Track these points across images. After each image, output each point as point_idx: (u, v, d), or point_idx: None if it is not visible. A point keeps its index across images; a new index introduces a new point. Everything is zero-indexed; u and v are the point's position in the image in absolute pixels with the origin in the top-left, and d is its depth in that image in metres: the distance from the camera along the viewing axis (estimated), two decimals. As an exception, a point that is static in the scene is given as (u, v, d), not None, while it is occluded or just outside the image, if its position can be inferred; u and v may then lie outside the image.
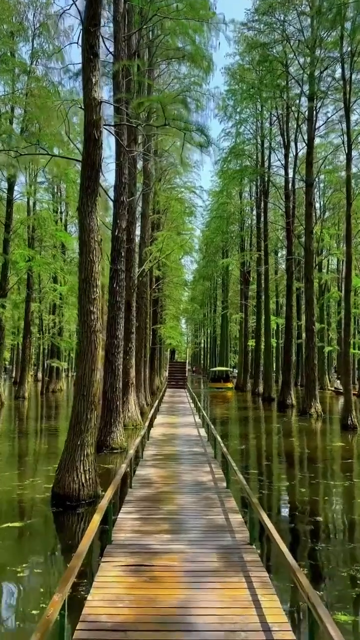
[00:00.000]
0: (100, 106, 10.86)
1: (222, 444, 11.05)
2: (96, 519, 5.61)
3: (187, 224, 33.29)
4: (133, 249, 22.44)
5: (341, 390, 45.95)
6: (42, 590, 6.17)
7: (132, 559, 6.12)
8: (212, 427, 14.21)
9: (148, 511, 8.12)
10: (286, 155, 34.14)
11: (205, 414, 18.52)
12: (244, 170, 37.57)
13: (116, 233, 16.20)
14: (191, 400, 31.37)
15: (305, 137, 29.01)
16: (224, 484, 9.89)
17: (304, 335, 53.52)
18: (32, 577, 6.54)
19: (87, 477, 9.97)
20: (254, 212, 48.92)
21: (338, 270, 60.93)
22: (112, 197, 16.61)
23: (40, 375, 59.14)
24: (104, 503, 6.16)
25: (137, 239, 28.42)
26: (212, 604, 5.03)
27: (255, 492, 10.83)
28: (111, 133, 14.80)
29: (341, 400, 41.30)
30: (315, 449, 17.14)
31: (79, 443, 10.05)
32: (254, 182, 42.24)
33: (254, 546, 6.63)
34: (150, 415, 18.25)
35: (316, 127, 28.60)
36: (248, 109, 40.22)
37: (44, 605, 5.65)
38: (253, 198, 49.21)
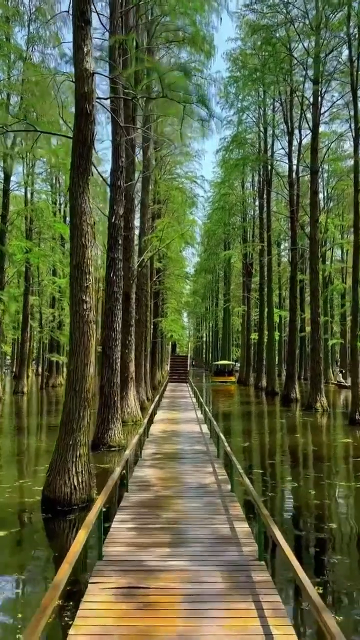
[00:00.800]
0: (92, 78, 10.00)
1: (225, 443, 10.27)
2: (81, 536, 4.83)
3: (188, 216, 32.35)
4: (132, 239, 21.61)
5: (344, 384, 45.15)
6: (11, 622, 5.38)
7: (124, 580, 5.34)
8: (215, 423, 13.44)
9: (145, 519, 7.34)
10: (290, 143, 33.18)
11: (207, 409, 17.75)
12: (246, 159, 36.59)
13: (113, 220, 15.36)
14: (193, 395, 30.61)
15: (310, 123, 28.06)
16: (228, 487, 9.11)
17: (307, 328, 52.84)
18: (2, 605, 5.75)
19: (80, 480, 9.21)
20: (257, 203, 47.97)
21: (342, 261, 59.96)
22: (109, 182, 15.75)
23: (40, 369, 58.49)
24: (91, 517, 5.37)
25: (136, 231, 27.64)
26: (217, 638, 4.25)
27: (260, 495, 10.06)
28: (106, 109, 13.91)
29: (343, 393, 40.55)
30: (323, 445, 16.36)
31: (70, 443, 9.28)
32: (257, 171, 41.24)
33: (263, 562, 5.85)
34: (150, 411, 17.50)
35: (321, 112, 27.62)
36: (250, 97, 39.21)
37: None
38: (255, 188, 48.23)
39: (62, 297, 46.51)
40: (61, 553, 6.98)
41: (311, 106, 27.99)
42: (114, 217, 15.34)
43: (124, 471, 8.96)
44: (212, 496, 8.57)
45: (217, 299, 76.66)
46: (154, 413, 20.76)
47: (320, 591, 5.97)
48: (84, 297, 9.57)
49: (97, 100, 10.82)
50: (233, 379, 52.55)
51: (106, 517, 8.50)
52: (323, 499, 9.96)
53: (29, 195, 39.13)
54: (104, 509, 8.93)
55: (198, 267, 71.83)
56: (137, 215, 27.85)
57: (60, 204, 47.47)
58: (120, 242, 15.39)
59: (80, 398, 9.41)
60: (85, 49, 9.97)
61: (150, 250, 23.19)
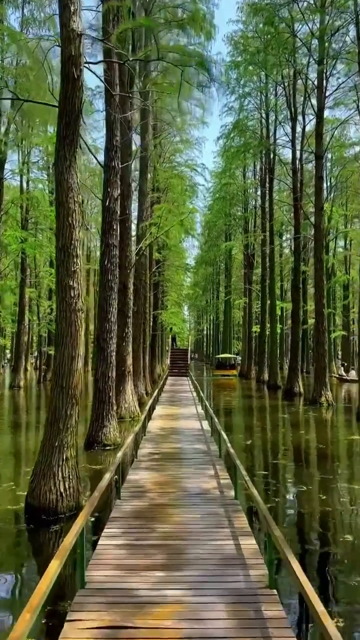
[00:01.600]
0: (80, 39, 9.00)
1: (228, 444, 9.35)
2: (52, 569, 3.92)
3: (188, 205, 31.24)
4: (129, 226, 20.63)
5: (345, 377, 44.20)
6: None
7: (108, 617, 4.43)
8: (216, 420, 12.52)
9: (138, 533, 6.43)
10: (293, 129, 32.09)
11: (207, 405, 16.85)
12: (248, 145, 35.46)
13: (107, 203, 14.38)
14: (193, 389, 29.72)
15: (314, 107, 26.97)
16: (232, 493, 8.20)
17: (310, 320, 51.91)
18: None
19: (67, 486, 8.30)
20: (258, 193, 46.91)
21: (346, 251, 58.87)
22: (103, 163, 14.75)
23: (39, 363, 57.62)
24: (66, 543, 4.45)
25: (135, 220, 26.62)
26: None
27: (264, 499, 9.16)
28: (97, 76, 12.86)
29: (345, 387, 39.63)
30: (331, 443, 15.46)
31: (56, 444, 8.36)
32: (259, 159, 40.06)
33: (274, 591, 4.93)
34: (148, 407, 16.57)
35: (326, 95, 26.51)
36: (252, 82, 38.11)
37: None
38: (257, 177, 47.12)
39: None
40: (44, 567, 6.08)
41: (316, 89, 26.89)
42: (108, 200, 14.36)
43: (116, 476, 8.05)
44: (214, 504, 7.66)
45: (218, 292, 75.65)
46: (152, 408, 19.87)
47: (340, 624, 5.06)
48: (71, 283, 8.63)
49: (86, 65, 9.82)
50: (235, 372, 51.71)
51: (95, 528, 7.62)
52: (334, 505, 9.05)
53: (24, 184, 38.13)
54: (92, 519, 8.07)
55: (199, 258, 70.80)
56: (135, 206, 26.86)
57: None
58: (115, 228, 14.42)
59: (67, 395, 8.49)
60: (72, 7, 8.97)
61: (148, 238, 22.18)
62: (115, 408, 14.36)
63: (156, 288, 41.00)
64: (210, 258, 66.84)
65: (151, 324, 40.77)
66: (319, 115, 26.16)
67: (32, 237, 35.73)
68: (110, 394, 14.16)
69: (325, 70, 26.38)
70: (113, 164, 14.51)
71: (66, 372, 8.51)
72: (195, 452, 11.65)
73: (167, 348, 57.13)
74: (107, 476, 6.74)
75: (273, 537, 4.76)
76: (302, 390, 30.70)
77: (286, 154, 43.10)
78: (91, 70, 10.56)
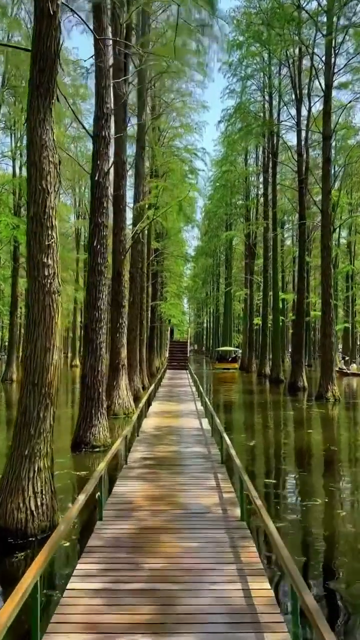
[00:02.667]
0: (56, -32, 7.50)
1: (233, 452, 7.95)
2: None
3: (189, 192, 29.46)
4: (124, 209, 19.15)
5: (346, 370, 42.75)
6: None
7: None
8: (217, 420, 11.11)
9: (119, 573, 5.04)
10: (298, 110, 30.49)
11: (207, 401, 15.45)
12: (249, 126, 33.83)
13: (97, 178, 12.91)
14: (193, 383, 28.36)
15: (322, 85, 25.39)
16: (237, 512, 6.83)
17: (312, 312, 50.47)
18: None
19: (40, 502, 6.92)
20: (260, 180, 45.34)
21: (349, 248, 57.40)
22: (92, 133, 13.25)
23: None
24: (6, 610, 3.06)
25: (131, 209, 25.09)
26: None
27: (272, 515, 7.79)
28: (83, 21, 11.30)
29: (345, 380, 38.20)
30: (345, 444, 14.08)
31: (27, 453, 6.97)
32: (262, 143, 38.35)
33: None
34: (142, 403, 15.15)
35: (334, 71, 24.93)
36: (255, 63, 36.45)
37: None
38: (260, 163, 45.52)
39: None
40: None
41: (324, 66, 25.31)
42: (98, 175, 12.89)
43: (99, 491, 6.67)
44: (216, 528, 6.27)
45: (218, 283, 74.18)
46: (147, 405, 18.50)
47: None
48: (45, 260, 7.20)
49: (65, 3, 8.33)
50: (236, 365, 50.38)
51: (71, 557, 6.24)
52: (358, 524, 7.67)
53: (17, 169, 36.56)
54: (66, 543, 6.71)
55: (199, 250, 69.29)
56: (131, 200, 25.31)
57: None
58: (105, 205, 12.96)
59: (40, 394, 7.08)
60: None
61: (144, 221, 20.68)
62: (105, 405, 12.97)
63: (154, 278, 39.57)
64: (210, 249, 65.35)
65: (149, 315, 39.40)
66: (327, 93, 24.61)
67: (25, 224, 34.22)
68: (100, 390, 12.76)
69: (333, 45, 24.80)
70: (103, 133, 13.02)
71: (38, 367, 7.09)
72: (194, 457, 10.26)
73: (166, 340, 55.79)
74: (81, 498, 5.36)
75: (305, 609, 3.35)
76: (306, 384, 29.35)
77: (290, 138, 41.60)
78: (75, 13, 9.03)
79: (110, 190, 14.91)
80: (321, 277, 24.79)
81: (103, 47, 12.66)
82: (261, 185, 44.41)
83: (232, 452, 7.83)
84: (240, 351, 58.78)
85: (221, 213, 55.86)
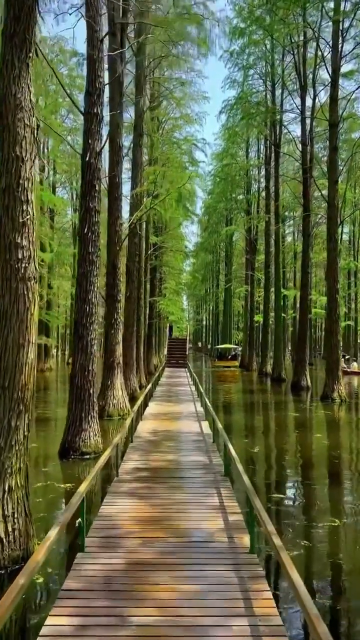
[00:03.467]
0: None
1: (239, 465, 6.86)
2: None
3: (188, 177, 28.27)
4: (119, 197, 18.01)
5: (347, 369, 41.60)
6: None
7: None
8: (220, 426, 9.98)
9: (97, 635, 3.93)
10: (303, 99, 29.36)
11: (208, 402, 14.34)
12: (251, 114, 32.61)
13: (88, 158, 11.76)
14: (192, 382, 27.26)
15: (328, 71, 24.25)
16: (245, 540, 5.73)
17: (314, 310, 49.31)
18: None
19: (10, 528, 5.82)
20: (262, 173, 44.16)
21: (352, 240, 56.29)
22: (82, 110, 12.10)
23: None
24: None
25: (128, 201, 23.90)
26: None
27: (287, 541, 6.70)
28: None
29: (346, 379, 36.96)
30: (358, 451, 12.98)
31: (-5, 470, 5.86)
32: (264, 130, 37.01)
33: None
34: (138, 404, 14.03)
35: (342, 55, 23.77)
36: (257, 52, 35.22)
37: None
38: (261, 156, 44.33)
39: (51, 274, 43.03)
40: None
41: (330, 50, 24.15)
42: (88, 155, 11.74)
43: (79, 520, 5.57)
44: (222, 565, 5.17)
45: (218, 280, 73.00)
46: (144, 405, 17.42)
47: None
48: (18, 240, 6.07)
49: None
50: (236, 363, 49.31)
51: (42, 605, 5.16)
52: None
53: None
54: (39, 579, 5.60)
55: (198, 246, 68.11)
56: (128, 193, 24.11)
57: (48, 173, 43.64)
58: (97, 189, 11.82)
59: (11, 399, 5.96)
60: None
61: (142, 209, 19.54)
62: (96, 408, 11.86)
63: (153, 273, 38.45)
64: (210, 245, 64.17)
65: (147, 311, 38.29)
66: (334, 78, 23.46)
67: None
68: (91, 391, 11.65)
69: (340, 29, 23.64)
70: (95, 110, 11.87)
71: (10, 367, 5.98)
72: (194, 467, 9.16)
73: (165, 338, 54.70)
74: (52, 534, 4.25)
75: None
76: (309, 383, 28.28)
77: (293, 129, 40.48)
78: None
79: (106, 173, 13.78)
80: (327, 272, 23.69)
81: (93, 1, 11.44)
82: (262, 179, 43.23)
83: (240, 467, 6.72)
84: (239, 348, 57.70)
85: (221, 208, 54.67)
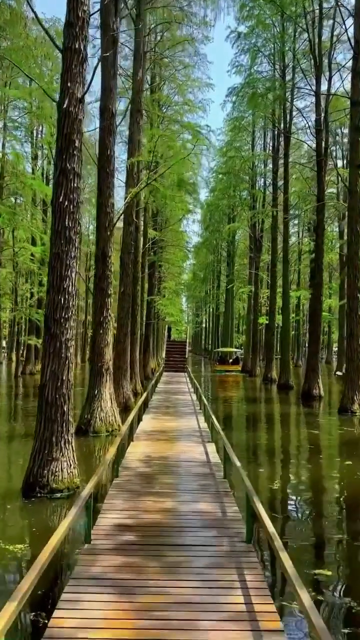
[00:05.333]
0: None
1: (271, 529, 4.23)
2: None
3: (194, 147, 24.89)
4: (111, 173, 15.32)
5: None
6: None
7: None
8: (238, 464, 7.21)
9: None
10: (317, 79, 26.73)
11: (214, 419, 11.60)
12: (263, 94, 29.99)
13: (65, 106, 9.05)
14: (193, 390, 24.54)
15: (350, 41, 21.64)
16: None
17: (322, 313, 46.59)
18: None
19: None
20: (268, 167, 41.49)
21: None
22: (61, 46, 9.42)
23: (24, 353, 52.24)
24: None
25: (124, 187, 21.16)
26: None
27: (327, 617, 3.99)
28: None
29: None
30: None
31: None
32: (276, 109, 34.28)
33: None
34: (130, 419, 11.28)
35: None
36: (267, 32, 32.64)
37: None
38: (268, 149, 41.69)
39: (42, 271, 40.30)
40: None
41: (352, 18, 21.52)
42: (67, 102, 9.03)
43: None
44: None
45: (219, 281, 70.31)
46: (138, 419, 14.70)
47: None
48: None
49: None
50: (238, 367, 46.61)
51: None
52: None
53: (-1, 146, 32.76)
54: None
55: (199, 245, 65.51)
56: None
57: (42, 164, 40.94)
58: (77, 145, 9.09)
59: None
60: None
61: (140, 185, 16.83)
62: (72, 429, 9.12)
63: (151, 270, 35.75)
64: (211, 243, 61.55)
65: (145, 312, 35.62)
66: (357, 50, 20.79)
67: (6, 207, 30.36)
68: (65, 408, 8.91)
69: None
70: (76, 45, 9.18)
71: None
72: (201, 528, 6.37)
73: (163, 340, 52.03)
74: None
75: None
76: (322, 392, 25.56)
77: (302, 120, 37.82)
78: None
79: (94, 137, 10.99)
80: (347, 267, 21.01)
81: None
82: (269, 172, 40.55)
83: (276, 544, 4.01)
84: (240, 352, 54.93)
85: (223, 206, 52.11)
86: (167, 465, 9.44)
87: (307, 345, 61.59)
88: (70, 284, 9.05)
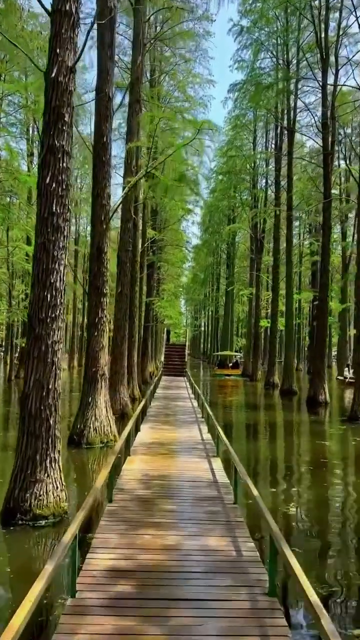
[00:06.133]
0: None
1: (305, 583, 3.07)
2: None
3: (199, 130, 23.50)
4: (107, 162, 14.18)
5: (351, 380, 37.55)
6: None
7: None
8: (256, 492, 6.04)
9: None
10: (324, 72, 25.67)
11: (221, 432, 10.45)
12: (267, 86, 28.92)
13: (54, 75, 7.92)
14: (194, 396, 23.36)
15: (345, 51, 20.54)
16: None
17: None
18: None
19: None
20: (271, 166, 40.42)
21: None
22: (50, 8, 8.30)
23: (19, 356, 50.92)
24: None
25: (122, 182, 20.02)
26: None
27: None
28: None
29: (349, 391, 33.22)
30: None
31: None
32: (280, 101, 33.22)
33: None
34: (127, 431, 10.10)
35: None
36: (270, 25, 31.67)
37: None
38: (270, 148, 40.67)
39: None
40: None
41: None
42: (55, 70, 7.91)
43: None
44: None
45: (219, 284, 69.18)
46: (135, 429, 13.51)
47: None
48: None
49: None
50: (238, 371, 45.45)
51: None
52: None
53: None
54: None
55: (199, 247, 64.43)
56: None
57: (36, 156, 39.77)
58: (67, 120, 7.96)
59: None
60: None
61: (139, 175, 15.68)
62: (58, 446, 7.94)
63: (150, 269, 34.58)
64: (211, 245, 60.44)
65: (143, 314, 34.45)
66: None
67: (0, 205, 29.23)
68: (51, 421, 7.74)
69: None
70: (67, 7, 8.06)
71: None
72: (212, 569, 5.22)
73: (161, 343, 50.84)
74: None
75: None
76: (328, 398, 24.39)
77: (306, 115, 36.85)
78: None
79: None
80: (357, 269, 19.90)
81: None
82: (271, 172, 39.50)
83: (312, 598, 2.87)
84: (240, 355, 53.76)
85: (223, 207, 51.09)
86: (168, 487, 8.26)
87: (307, 348, 60.42)
88: (58, 278, 7.89)
